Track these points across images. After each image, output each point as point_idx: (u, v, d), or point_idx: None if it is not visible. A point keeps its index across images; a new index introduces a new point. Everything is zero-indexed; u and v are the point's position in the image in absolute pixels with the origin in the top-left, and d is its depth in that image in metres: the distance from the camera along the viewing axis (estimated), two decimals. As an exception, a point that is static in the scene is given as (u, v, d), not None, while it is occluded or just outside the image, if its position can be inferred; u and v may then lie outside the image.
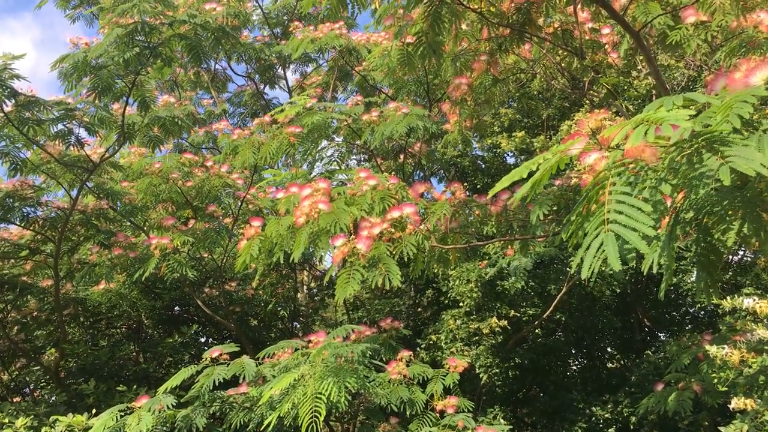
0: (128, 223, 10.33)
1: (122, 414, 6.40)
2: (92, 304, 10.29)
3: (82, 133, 8.51)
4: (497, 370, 9.78)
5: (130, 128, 8.56)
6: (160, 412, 6.50)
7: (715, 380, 5.52)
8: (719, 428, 5.22)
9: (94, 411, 7.45)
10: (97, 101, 7.85)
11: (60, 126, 8.08)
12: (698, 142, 2.42)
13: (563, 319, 10.99)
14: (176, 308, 12.65)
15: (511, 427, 9.62)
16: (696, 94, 2.51)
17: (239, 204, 9.71)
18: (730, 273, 9.85)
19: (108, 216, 9.45)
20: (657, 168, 2.61)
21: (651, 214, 2.46)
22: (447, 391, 7.74)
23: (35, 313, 10.22)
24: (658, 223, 2.59)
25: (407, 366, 7.53)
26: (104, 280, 8.97)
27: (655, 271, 3.33)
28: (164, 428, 6.53)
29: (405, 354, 7.61)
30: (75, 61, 7.44)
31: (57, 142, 8.35)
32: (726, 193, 2.59)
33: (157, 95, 9.42)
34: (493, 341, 9.78)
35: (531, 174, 3.00)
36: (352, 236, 5.05)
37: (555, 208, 5.37)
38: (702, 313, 12.13)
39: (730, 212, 2.67)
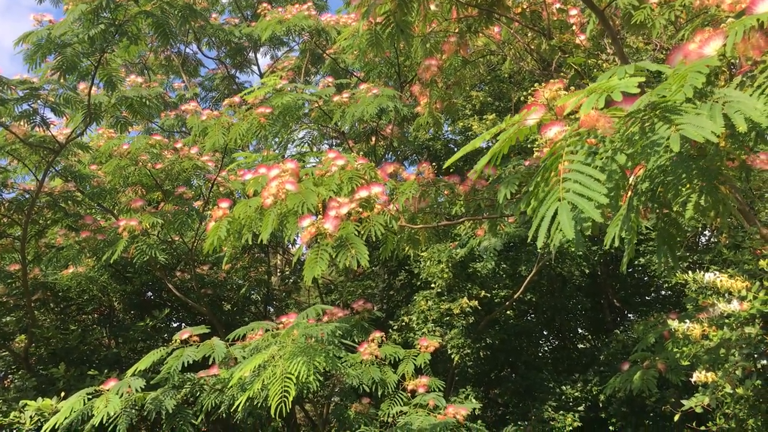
0: (97, 207, 10.20)
1: (90, 397, 6.36)
2: (61, 289, 10.17)
3: (48, 113, 8.38)
4: (469, 351, 9.87)
5: (97, 108, 8.41)
6: (128, 395, 6.46)
7: (678, 355, 5.64)
8: (682, 401, 5.34)
9: (63, 395, 7.39)
10: (62, 80, 7.71)
11: (25, 106, 7.94)
12: (652, 112, 2.46)
13: (534, 300, 11.11)
14: (148, 293, 12.55)
15: (482, 405, 9.75)
16: (647, 63, 2.54)
17: (210, 187, 9.63)
18: (697, 255, 10.01)
19: (76, 199, 9.32)
20: (613, 139, 2.64)
21: (605, 183, 2.49)
22: (418, 372, 7.81)
23: (3, 298, 10.07)
24: (613, 193, 2.63)
25: (379, 347, 7.57)
26: (72, 264, 8.85)
27: (617, 244, 3.38)
28: (133, 411, 6.49)
29: (377, 335, 7.64)
30: (39, 39, 7.29)
31: (22, 123, 8.20)
32: (680, 163, 2.64)
33: (125, 77, 9.24)
34: (464, 322, 9.86)
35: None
36: (320, 216, 5.04)
37: (523, 189, 5.41)
38: (670, 293, 12.33)
39: (684, 181, 2.71)
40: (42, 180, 8.73)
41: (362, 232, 5.00)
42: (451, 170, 12.47)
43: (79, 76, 7.99)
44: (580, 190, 2.44)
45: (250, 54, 16.90)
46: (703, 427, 5.97)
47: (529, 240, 2.54)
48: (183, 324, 12.59)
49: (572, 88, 4.23)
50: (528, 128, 2.73)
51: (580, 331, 13.81)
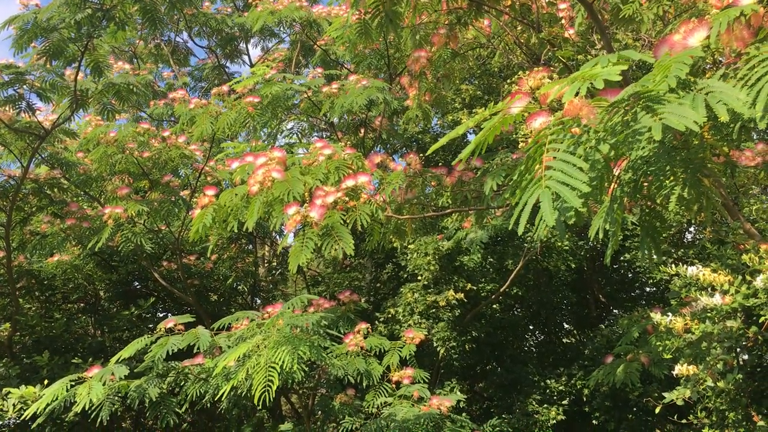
0: (82, 195, 10.13)
1: (73, 384, 6.32)
2: (46, 277, 10.10)
3: (34, 98, 8.30)
4: (454, 344, 9.90)
5: (84, 95, 8.35)
6: (112, 383, 6.44)
7: (661, 348, 5.67)
8: (663, 394, 5.38)
9: (46, 382, 7.36)
10: (48, 65, 7.64)
11: (10, 91, 7.86)
12: (635, 102, 2.47)
13: (520, 294, 11.15)
14: (134, 283, 12.50)
15: (467, 397, 9.79)
16: (631, 52, 2.55)
17: (197, 176, 9.59)
18: (682, 250, 10.09)
19: (62, 186, 9.25)
20: (597, 129, 2.65)
21: (588, 173, 2.50)
22: (403, 363, 7.83)
23: (-14, 285, 10.01)
24: (595, 182, 2.64)
25: (365, 338, 7.58)
26: (57, 252, 8.79)
27: (601, 237, 3.40)
28: (116, 399, 6.47)
29: (362, 326, 7.65)
30: (25, 23, 7.22)
31: (7, 108, 8.12)
32: (663, 153, 2.65)
33: (114, 64, 9.18)
34: (450, 315, 9.89)
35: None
36: (306, 205, 5.02)
37: (508, 178, 5.42)
38: (654, 289, 12.42)
39: (667, 172, 2.73)
40: (27, 166, 8.66)
41: (348, 222, 5.00)
42: (440, 163, 12.50)
43: (66, 61, 7.91)
44: (563, 179, 2.44)
45: (240, 44, 16.81)
46: (684, 420, 6.02)
47: (510, 227, 2.54)
48: (168, 314, 12.54)
49: (555, 76, 4.24)
50: (512, 117, 2.73)
51: (565, 325, 13.88)
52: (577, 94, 2.43)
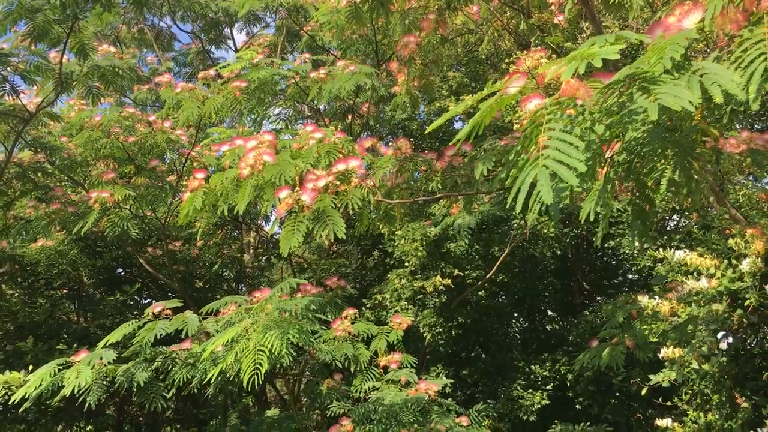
0: (67, 180, 10.02)
1: (61, 368, 6.28)
2: (30, 262, 10.01)
3: (18, 81, 8.18)
4: (440, 330, 9.96)
5: (68, 77, 8.23)
6: (99, 367, 6.40)
7: (647, 332, 5.75)
8: (649, 376, 5.46)
9: (31, 368, 7.30)
10: (33, 47, 7.52)
11: (-7, 73, 7.75)
12: (631, 81, 2.49)
13: (506, 281, 11.23)
14: (119, 269, 12.42)
15: (452, 382, 9.86)
16: (628, 32, 2.57)
17: (184, 161, 9.51)
18: (666, 236, 10.21)
19: (46, 170, 9.14)
20: (593, 110, 2.67)
21: (584, 152, 2.52)
22: (391, 348, 7.86)
23: (-31, 270, 9.90)
24: (590, 162, 2.67)
25: (352, 324, 7.60)
26: (42, 236, 8.69)
27: (592, 219, 3.44)
28: (104, 383, 6.43)
29: (350, 312, 7.67)
30: (9, 4, 7.09)
31: (-10, 90, 8.00)
32: (656, 134, 2.68)
33: (98, 46, 9.05)
34: (437, 301, 9.94)
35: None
36: (298, 189, 5.02)
37: (503, 159, 5.44)
38: (637, 276, 12.56)
39: (660, 153, 2.76)
40: (11, 150, 8.56)
41: (339, 205, 5.00)
42: (427, 150, 12.50)
43: (51, 43, 7.79)
44: (560, 158, 2.46)
45: (225, 29, 16.65)
46: (668, 403, 6.12)
47: (507, 206, 2.56)
48: (153, 301, 12.49)
49: (554, 56, 4.26)
50: (509, 97, 2.75)
51: (549, 312, 14.01)
52: (575, 74, 2.45)
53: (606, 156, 3.22)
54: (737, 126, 9.17)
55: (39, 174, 9.16)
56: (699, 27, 2.63)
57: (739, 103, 2.79)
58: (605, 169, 3.29)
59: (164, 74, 8.99)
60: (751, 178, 8.97)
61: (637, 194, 3.70)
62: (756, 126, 11.72)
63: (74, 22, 7.53)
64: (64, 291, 11.87)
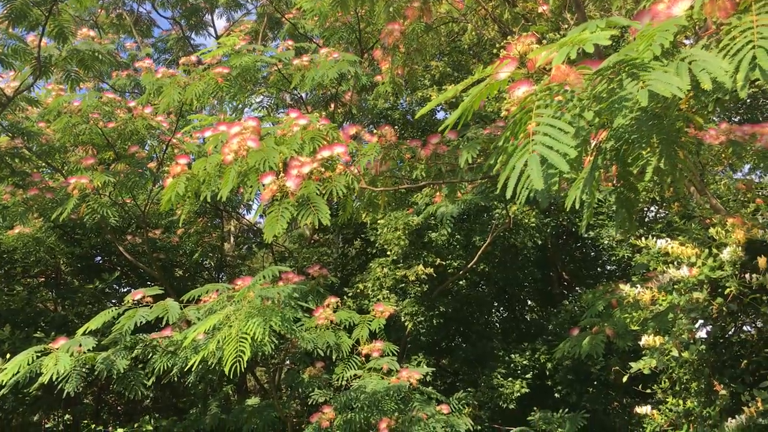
0: (45, 167, 9.86)
1: (39, 355, 6.20)
2: (6, 250, 9.85)
3: (-6, 65, 8.00)
4: (422, 318, 9.99)
5: (47, 61, 8.09)
6: (79, 354, 6.33)
7: (627, 320, 5.82)
8: (630, 364, 5.53)
9: (8, 356, 7.21)
10: (10, 30, 7.38)
11: (-31, 56, 7.59)
12: (621, 68, 2.50)
13: (487, 270, 11.27)
14: (97, 257, 12.28)
15: (433, 371, 9.91)
16: (619, 18, 2.58)
17: (164, 148, 9.41)
18: (646, 227, 10.31)
19: (23, 156, 8.99)
20: (582, 96, 2.68)
21: (573, 137, 2.53)
22: (373, 336, 7.88)
23: (-56, 258, 9.74)
24: (579, 148, 2.68)
25: (334, 312, 7.60)
26: (19, 223, 8.55)
27: (578, 206, 3.46)
28: (83, 371, 6.37)
29: (332, 300, 7.67)
30: (-15, -15, 6.97)
31: (-34, 74, 7.85)
32: (644, 121, 2.69)
33: (77, 31, 8.89)
34: (419, 290, 9.96)
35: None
36: (282, 175, 4.99)
37: (492, 145, 5.45)
38: (615, 267, 12.68)
39: (646, 140, 2.78)
40: (-13, 135, 8.41)
41: (324, 192, 4.98)
42: (409, 139, 12.49)
43: (29, 26, 7.65)
44: (550, 143, 2.47)
45: (206, 15, 16.48)
46: (648, 390, 6.20)
47: (497, 192, 2.57)
48: (132, 289, 12.36)
49: (544, 41, 4.26)
50: (500, 82, 2.75)
51: (529, 302, 14.10)
52: (565, 60, 2.45)
53: (592, 144, 3.24)
54: (715, 119, 9.28)
55: (16, 160, 9.01)
56: (688, 14, 2.65)
57: (725, 91, 2.82)
58: (591, 156, 3.31)
59: (145, 59, 8.88)
60: (728, 168, 9.10)
61: (622, 182, 3.74)
62: (734, 119, 11.88)
63: (53, 5, 7.40)
64: (42, 279, 11.70)
